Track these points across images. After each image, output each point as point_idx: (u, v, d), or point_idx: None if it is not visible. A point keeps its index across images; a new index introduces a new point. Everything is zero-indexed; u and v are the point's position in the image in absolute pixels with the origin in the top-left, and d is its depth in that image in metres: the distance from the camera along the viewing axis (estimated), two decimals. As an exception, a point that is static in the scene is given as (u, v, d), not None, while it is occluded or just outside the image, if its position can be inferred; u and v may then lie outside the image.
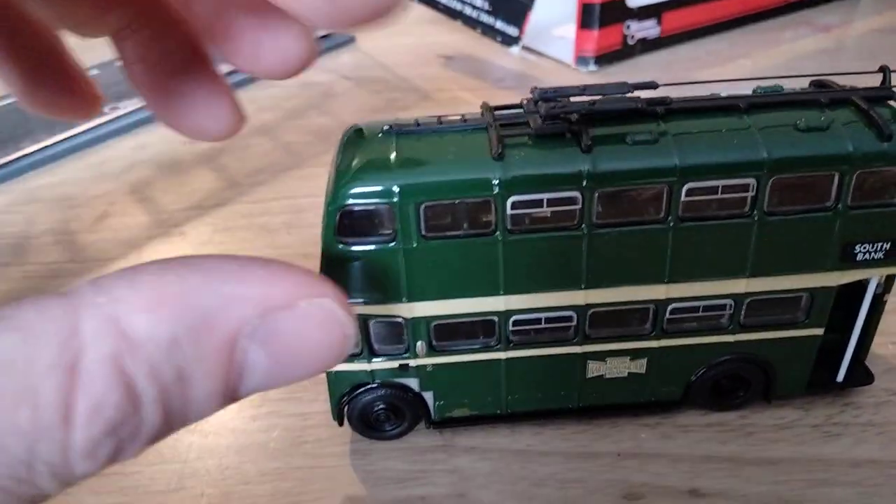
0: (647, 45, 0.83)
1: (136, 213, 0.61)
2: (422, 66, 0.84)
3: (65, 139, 0.70)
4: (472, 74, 0.82)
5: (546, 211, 0.33)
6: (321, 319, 0.20)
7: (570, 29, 0.80)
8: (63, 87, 0.28)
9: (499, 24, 0.84)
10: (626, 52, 0.81)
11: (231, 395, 0.19)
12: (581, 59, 0.80)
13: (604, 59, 0.80)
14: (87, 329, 0.17)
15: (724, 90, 0.36)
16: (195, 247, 0.56)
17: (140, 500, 0.36)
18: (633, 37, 0.81)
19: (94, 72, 0.82)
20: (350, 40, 0.90)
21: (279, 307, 0.19)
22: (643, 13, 0.80)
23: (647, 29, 0.82)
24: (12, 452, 0.16)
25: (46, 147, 0.69)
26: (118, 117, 0.73)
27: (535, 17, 0.81)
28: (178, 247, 0.56)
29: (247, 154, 0.68)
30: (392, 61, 0.86)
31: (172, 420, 0.18)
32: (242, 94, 0.78)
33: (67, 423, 0.16)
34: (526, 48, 0.85)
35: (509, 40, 0.84)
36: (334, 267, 0.34)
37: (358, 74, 0.83)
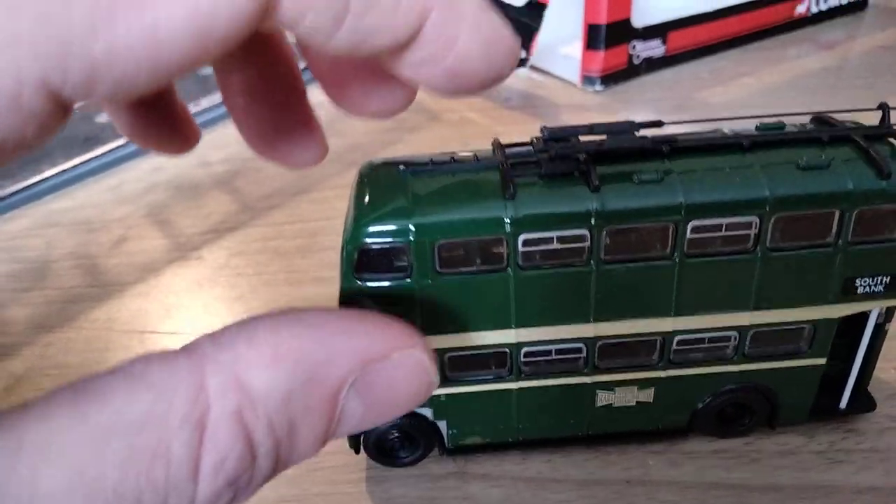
0: (653, 65, 0.84)
1: (154, 236, 0.62)
2: (430, 86, 0.86)
3: (83, 162, 0.71)
4: (479, 95, 0.83)
5: (556, 248, 0.34)
6: (411, 369, 0.21)
7: (576, 48, 0.81)
8: (170, 124, 0.28)
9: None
10: (631, 71, 0.82)
11: (328, 439, 0.21)
12: (587, 79, 0.81)
13: (609, 78, 0.81)
14: (212, 385, 0.18)
15: (728, 126, 0.37)
16: (213, 270, 0.57)
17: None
18: (638, 56, 0.82)
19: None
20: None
21: (377, 358, 0.21)
22: (648, 33, 0.82)
23: (652, 49, 0.83)
24: None
25: (65, 171, 0.70)
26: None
27: (542, 35, 0.82)
28: (196, 270, 0.57)
29: (260, 177, 0.70)
30: (401, 81, 0.87)
31: (280, 466, 0.20)
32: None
33: (196, 476, 0.17)
34: (532, 67, 0.86)
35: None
36: (352, 303, 0.35)
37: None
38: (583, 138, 0.34)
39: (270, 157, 0.28)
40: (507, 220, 0.33)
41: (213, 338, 0.19)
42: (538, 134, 0.35)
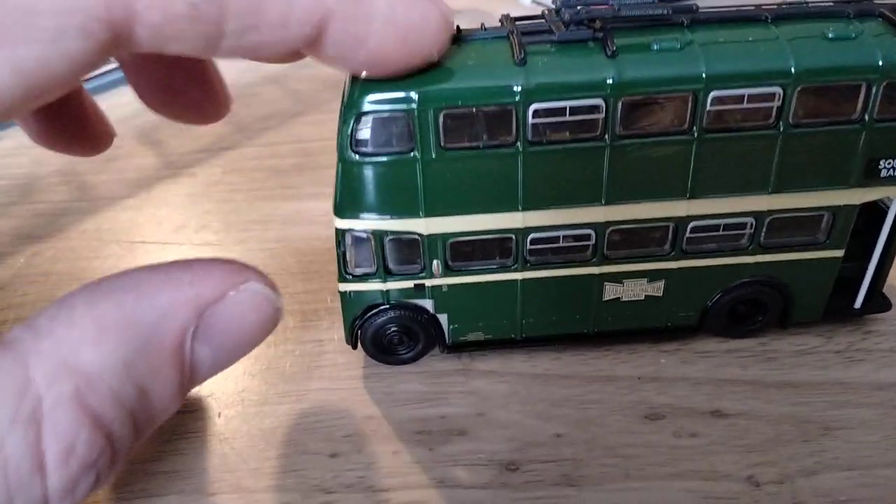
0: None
1: (145, 155, 0.60)
2: (431, 19, 0.83)
3: (71, 86, 0.69)
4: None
5: (568, 120, 0.32)
6: (250, 302, 0.21)
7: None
8: (80, 127, 0.28)
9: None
10: None
11: (186, 390, 0.20)
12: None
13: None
14: (39, 376, 0.17)
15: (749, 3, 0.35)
16: (206, 186, 0.55)
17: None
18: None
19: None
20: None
21: (211, 302, 0.20)
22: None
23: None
24: None
25: (52, 93, 0.68)
26: (124, 65, 0.72)
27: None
28: (189, 187, 0.55)
29: (256, 101, 0.67)
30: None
31: (141, 432, 0.19)
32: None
33: (41, 471, 0.17)
34: (535, 2, 0.84)
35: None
36: (350, 179, 0.33)
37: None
38: (597, 7, 0.32)
39: (166, 114, 0.28)
40: (517, 88, 0.31)
41: (30, 327, 0.18)
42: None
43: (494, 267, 0.36)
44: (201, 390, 0.37)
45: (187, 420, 0.36)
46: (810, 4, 0.34)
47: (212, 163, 0.58)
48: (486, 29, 0.33)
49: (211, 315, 0.20)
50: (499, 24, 0.34)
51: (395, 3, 0.21)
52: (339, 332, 0.38)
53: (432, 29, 0.23)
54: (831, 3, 0.35)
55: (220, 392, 0.37)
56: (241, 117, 0.65)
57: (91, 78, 0.70)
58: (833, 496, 0.31)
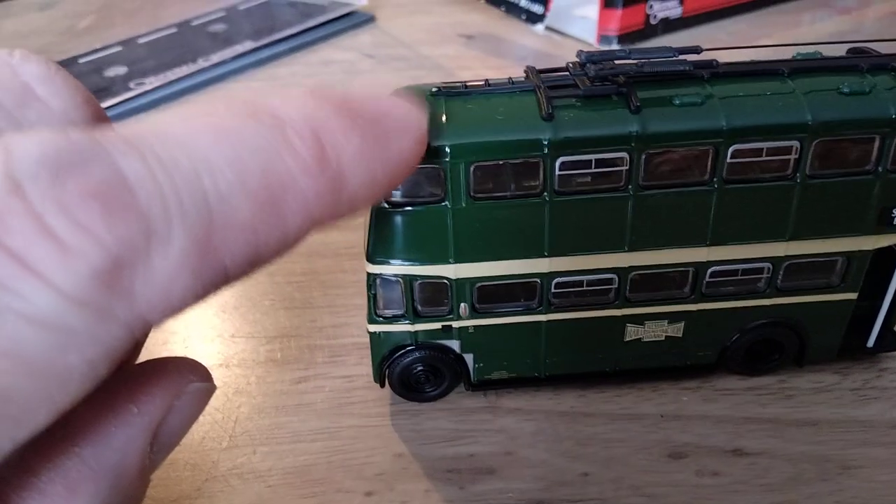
0: (669, 26, 0.83)
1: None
2: (443, 44, 0.85)
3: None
4: (494, 53, 0.82)
5: (594, 172, 0.33)
6: (193, 401, 0.21)
7: (592, 9, 0.80)
8: None
9: (523, 2, 0.84)
10: (648, 32, 0.82)
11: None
12: (604, 39, 0.80)
13: (626, 38, 0.80)
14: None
15: (765, 54, 0.36)
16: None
17: (193, 458, 0.37)
18: (655, 16, 0.81)
19: (118, 49, 0.83)
20: (369, 19, 0.90)
21: (159, 420, 0.20)
22: (665, -7, 0.81)
23: (669, 9, 0.82)
24: None
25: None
26: (143, 93, 0.73)
27: (558, -4, 0.81)
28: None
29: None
30: (412, 40, 0.86)
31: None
32: (263, 72, 0.79)
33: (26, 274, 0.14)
34: (549, 28, 0.85)
35: (534, 17, 0.84)
36: (382, 227, 0.34)
37: (379, 53, 0.84)
38: (620, 62, 0.34)
39: None
40: (545, 142, 0.32)
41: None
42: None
43: (520, 309, 0.37)
44: (236, 427, 0.38)
45: (223, 458, 0.37)
46: (823, 58, 0.36)
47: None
48: (513, 82, 0.35)
49: (160, 429, 0.20)
50: (524, 77, 0.36)
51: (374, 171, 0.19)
52: (367, 369, 0.39)
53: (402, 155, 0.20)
54: (844, 57, 0.36)
55: (254, 429, 0.38)
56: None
57: (112, 106, 0.71)
58: (852, 536, 0.32)
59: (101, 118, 0.22)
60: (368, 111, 0.19)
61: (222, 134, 0.17)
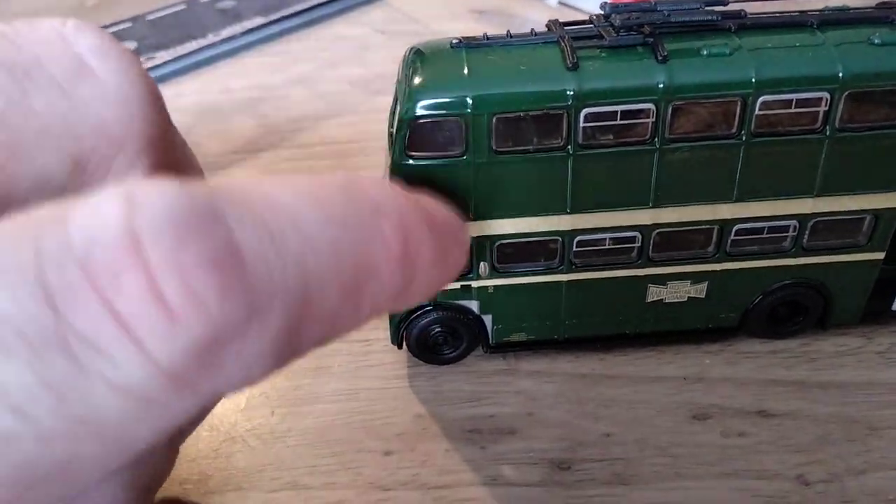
0: None
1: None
2: (454, 20, 0.84)
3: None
4: (506, 28, 0.81)
5: (619, 124, 0.33)
6: None
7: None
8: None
9: (535, -23, 0.83)
10: (662, 5, 0.81)
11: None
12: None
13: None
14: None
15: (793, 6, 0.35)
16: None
17: (210, 419, 0.36)
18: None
19: (127, 24, 0.82)
20: (380, -4, 0.89)
21: None
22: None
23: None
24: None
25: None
26: (154, 67, 0.73)
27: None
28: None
29: (285, 103, 0.68)
30: (423, 16, 0.85)
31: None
32: (275, 47, 0.79)
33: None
34: (561, 2, 0.84)
35: (546, -8, 0.83)
36: (402, 184, 0.34)
37: (390, 28, 0.83)
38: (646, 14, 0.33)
39: None
40: (570, 92, 0.32)
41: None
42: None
43: (540, 269, 0.37)
44: (253, 389, 0.38)
45: (240, 419, 0.36)
46: (852, 10, 0.35)
47: (248, 164, 0.59)
48: (536, 34, 0.34)
49: None
50: (546, 30, 0.35)
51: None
52: (384, 332, 0.39)
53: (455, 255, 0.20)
54: (873, 8, 0.35)
55: (271, 390, 0.38)
56: (272, 119, 0.66)
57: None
58: (881, 495, 0.31)
59: (155, 97, 0.20)
60: (442, 221, 0.19)
61: (327, 208, 0.16)
